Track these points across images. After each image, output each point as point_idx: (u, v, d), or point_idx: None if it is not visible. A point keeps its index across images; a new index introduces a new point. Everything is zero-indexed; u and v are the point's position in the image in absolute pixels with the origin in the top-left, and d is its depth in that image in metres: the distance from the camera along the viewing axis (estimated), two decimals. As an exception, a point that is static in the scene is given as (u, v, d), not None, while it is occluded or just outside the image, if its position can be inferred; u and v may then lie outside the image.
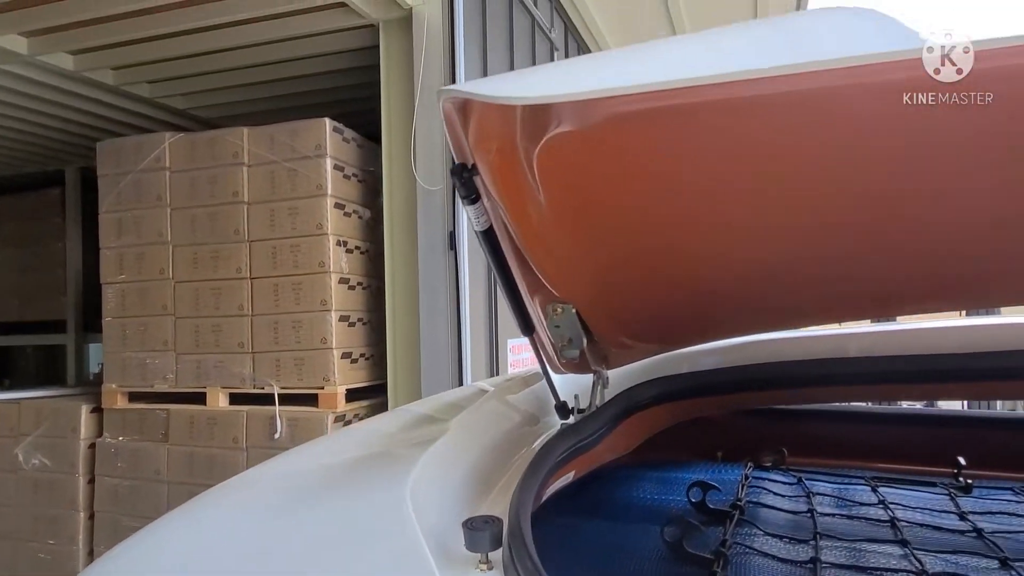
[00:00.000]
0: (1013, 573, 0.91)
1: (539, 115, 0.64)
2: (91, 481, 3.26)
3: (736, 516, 1.08)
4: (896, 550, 1.01)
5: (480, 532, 0.64)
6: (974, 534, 1.08)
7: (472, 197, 0.79)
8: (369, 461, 0.81)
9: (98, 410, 3.29)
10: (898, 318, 1.52)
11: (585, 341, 0.99)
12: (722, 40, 0.59)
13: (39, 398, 3.53)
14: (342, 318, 2.99)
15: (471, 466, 0.82)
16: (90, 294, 4.43)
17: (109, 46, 3.19)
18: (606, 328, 1.00)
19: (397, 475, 0.69)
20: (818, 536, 1.04)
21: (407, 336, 2.96)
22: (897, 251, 0.80)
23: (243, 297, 3.02)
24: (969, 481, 1.33)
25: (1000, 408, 2.96)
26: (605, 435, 1.06)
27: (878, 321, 1.56)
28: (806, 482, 1.34)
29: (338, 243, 2.98)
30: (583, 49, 4.94)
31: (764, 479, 1.34)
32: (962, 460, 1.35)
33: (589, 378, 1.13)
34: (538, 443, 1.04)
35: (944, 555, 0.98)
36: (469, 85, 0.60)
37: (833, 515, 1.18)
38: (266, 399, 2.97)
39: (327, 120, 2.97)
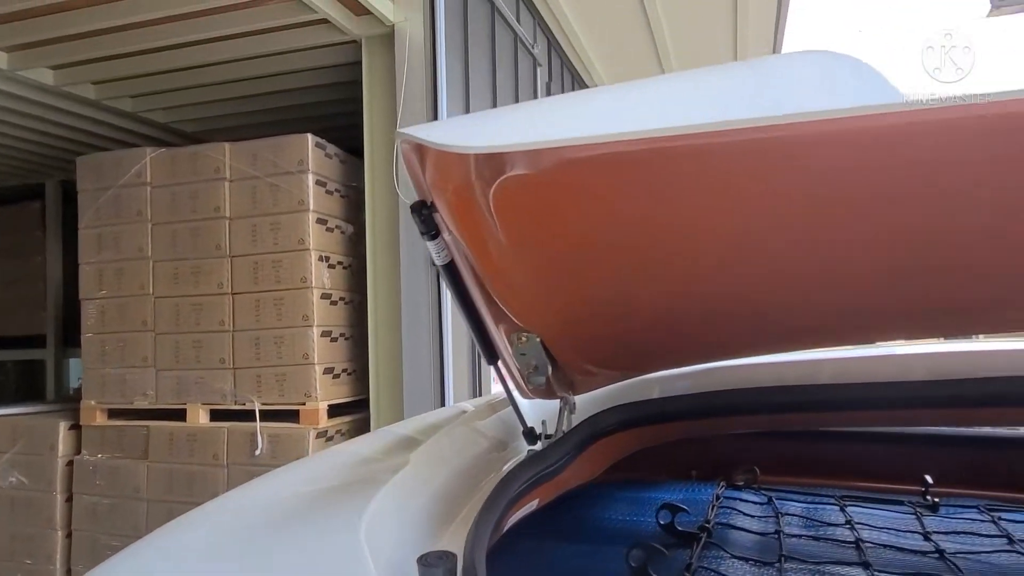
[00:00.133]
0: None
1: (493, 159, 0.65)
2: (69, 499, 3.22)
3: (703, 539, 1.09)
4: (859, 573, 1.02)
5: (434, 568, 0.64)
6: (936, 555, 1.10)
7: (432, 233, 0.81)
8: (328, 495, 0.82)
9: (76, 427, 3.26)
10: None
11: (551, 369, 1.01)
12: (674, 88, 0.60)
13: (16, 415, 3.49)
14: (324, 333, 2.99)
15: (432, 497, 0.83)
16: (71, 308, 4.39)
17: (90, 61, 3.19)
18: (571, 356, 1.01)
19: (354, 511, 0.70)
20: (783, 559, 1.05)
21: (389, 351, 2.96)
22: (848, 284, 0.83)
23: (224, 313, 3.01)
24: (936, 500, 1.34)
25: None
26: (569, 463, 1.07)
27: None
28: (776, 502, 1.35)
29: (320, 258, 2.98)
30: (566, 64, 4.98)
31: (735, 499, 1.36)
32: (929, 478, 1.37)
33: (557, 403, 1.14)
34: (507, 467, 1.05)
35: (904, 578, 1.00)
36: (423, 130, 0.61)
37: (800, 536, 1.19)
38: (247, 415, 2.96)
39: (309, 136, 2.98)
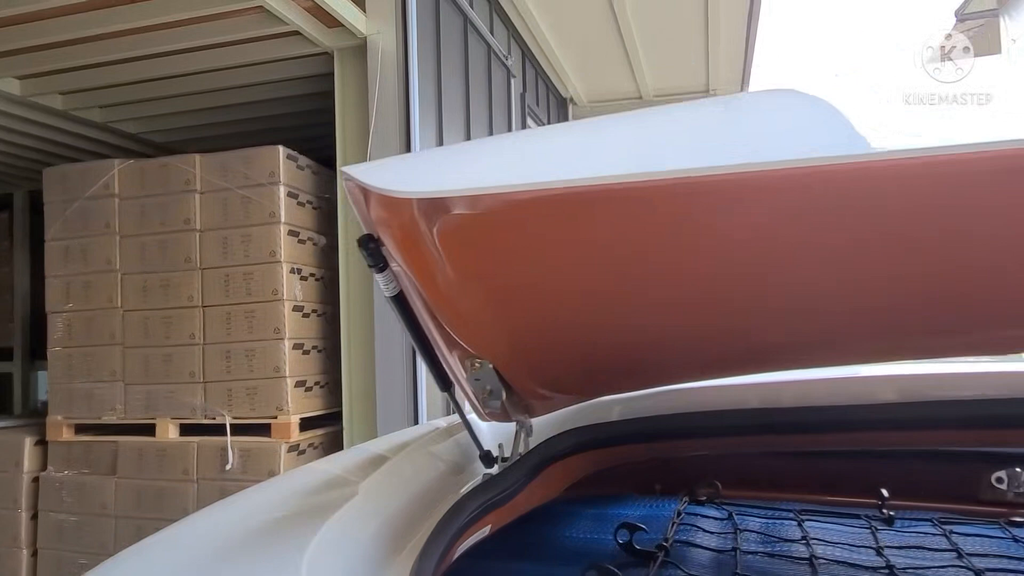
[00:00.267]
0: None
1: (434, 200, 0.66)
2: (34, 516, 3.16)
3: (660, 558, 1.10)
4: None
5: (375, 604, 0.65)
6: (886, 571, 1.12)
7: (380, 266, 0.81)
8: (275, 527, 0.82)
9: (43, 443, 3.20)
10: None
11: (505, 393, 1.01)
12: (605, 133, 0.62)
13: (-20, 430, 3.42)
14: (296, 346, 2.97)
15: (382, 526, 0.83)
16: (39, 321, 4.30)
17: (58, 71, 3.15)
18: (524, 381, 1.02)
19: (296, 546, 0.70)
20: None
21: (362, 363, 2.95)
22: (789, 313, 0.85)
23: (195, 326, 2.98)
24: (892, 513, 1.37)
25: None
26: (522, 487, 1.07)
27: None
28: (736, 517, 1.37)
29: (292, 270, 2.96)
30: (540, 75, 5.01)
31: (696, 514, 1.37)
32: (885, 492, 1.40)
33: (514, 426, 1.15)
34: (464, 490, 1.06)
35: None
36: (366, 172, 0.62)
37: (756, 553, 1.21)
38: (218, 429, 2.92)
39: (281, 147, 2.97)
